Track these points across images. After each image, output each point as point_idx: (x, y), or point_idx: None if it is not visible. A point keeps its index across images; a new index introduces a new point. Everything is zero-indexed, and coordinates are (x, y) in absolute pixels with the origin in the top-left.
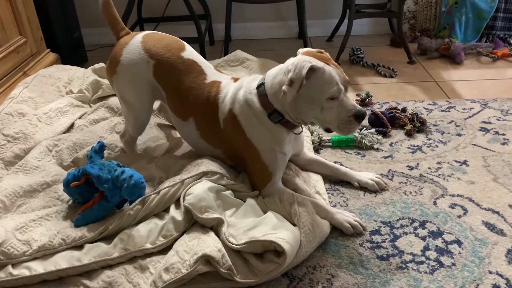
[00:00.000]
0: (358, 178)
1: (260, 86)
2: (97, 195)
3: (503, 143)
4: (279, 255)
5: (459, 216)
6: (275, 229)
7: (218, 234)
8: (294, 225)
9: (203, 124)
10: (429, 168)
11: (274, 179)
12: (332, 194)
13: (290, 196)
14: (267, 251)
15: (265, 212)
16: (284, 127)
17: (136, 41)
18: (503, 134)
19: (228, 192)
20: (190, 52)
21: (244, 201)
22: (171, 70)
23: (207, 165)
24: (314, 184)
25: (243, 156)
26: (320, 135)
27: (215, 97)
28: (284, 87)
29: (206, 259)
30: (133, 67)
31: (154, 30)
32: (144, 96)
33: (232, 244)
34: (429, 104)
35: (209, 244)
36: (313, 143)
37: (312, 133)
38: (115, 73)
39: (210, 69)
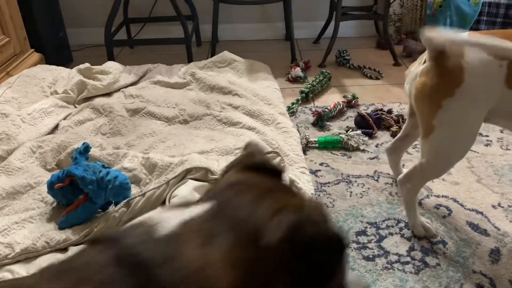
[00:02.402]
0: None
1: None
2: (81, 197)
3: (486, 145)
4: None
5: (444, 217)
6: None
7: None
8: None
9: None
10: None
11: None
12: (319, 195)
13: None
14: None
15: None
16: None
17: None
18: (487, 136)
19: None
20: None
21: None
22: None
23: (191, 162)
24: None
25: None
26: (307, 136)
27: None
28: None
29: None
30: (481, 80)
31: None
32: (480, 120)
33: None
34: None
35: None
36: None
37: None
38: (452, 95)
39: None
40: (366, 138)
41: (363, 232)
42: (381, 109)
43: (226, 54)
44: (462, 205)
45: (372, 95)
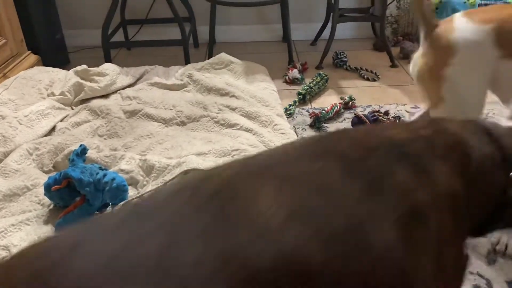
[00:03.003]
0: None
1: None
2: (78, 199)
3: None
4: None
5: None
6: None
7: None
8: None
9: None
10: None
11: None
12: None
13: None
14: None
15: None
16: None
17: (461, 21)
18: None
19: None
20: None
21: None
22: None
23: (188, 163)
24: None
25: None
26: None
27: None
28: None
29: None
30: (473, 46)
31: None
32: (483, 85)
33: None
34: (411, 107)
35: None
36: None
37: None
38: (448, 66)
39: None
40: None
41: None
42: (378, 111)
43: (223, 56)
44: None
45: (369, 96)
